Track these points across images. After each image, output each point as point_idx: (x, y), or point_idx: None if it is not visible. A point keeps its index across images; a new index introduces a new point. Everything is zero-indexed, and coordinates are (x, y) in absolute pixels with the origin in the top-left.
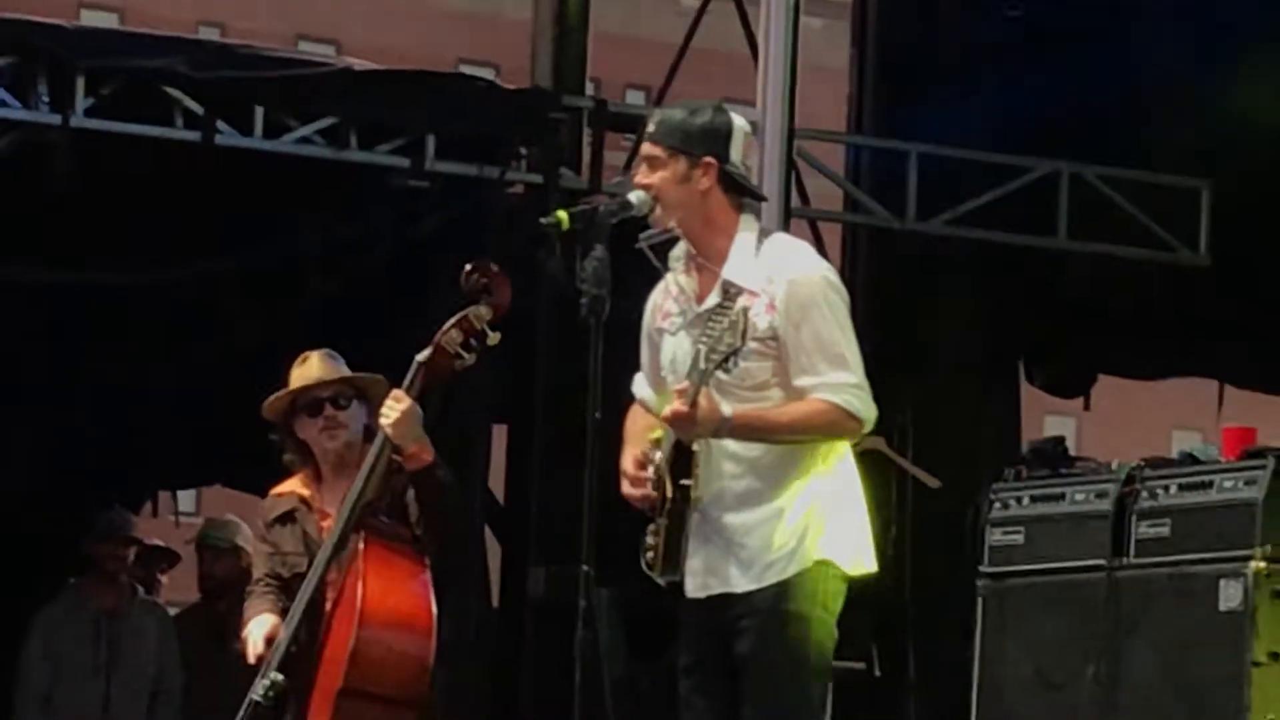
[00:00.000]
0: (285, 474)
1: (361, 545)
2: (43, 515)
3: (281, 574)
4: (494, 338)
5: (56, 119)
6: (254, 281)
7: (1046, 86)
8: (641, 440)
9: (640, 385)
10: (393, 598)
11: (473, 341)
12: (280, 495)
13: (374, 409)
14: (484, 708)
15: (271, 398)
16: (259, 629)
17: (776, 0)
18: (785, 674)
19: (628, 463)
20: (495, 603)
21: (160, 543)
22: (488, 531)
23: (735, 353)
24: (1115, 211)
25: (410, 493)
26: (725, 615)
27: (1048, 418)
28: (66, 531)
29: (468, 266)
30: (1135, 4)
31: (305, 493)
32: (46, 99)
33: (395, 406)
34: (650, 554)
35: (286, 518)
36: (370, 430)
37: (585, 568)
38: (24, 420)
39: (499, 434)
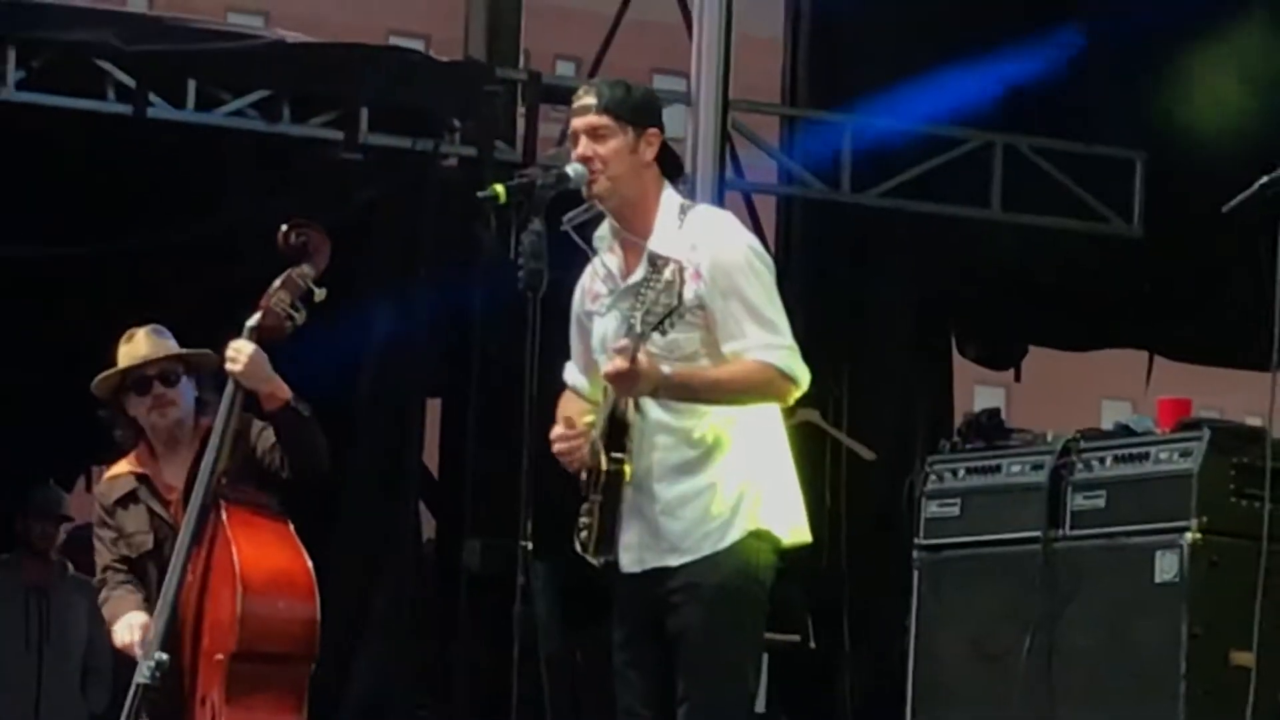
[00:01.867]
0: (120, 452)
1: (224, 514)
2: None
3: (129, 555)
4: (320, 294)
5: None
6: (188, 255)
7: (981, 57)
8: (575, 418)
9: (571, 373)
10: (268, 559)
11: (300, 301)
12: (116, 477)
13: (205, 383)
14: (418, 680)
15: (100, 376)
16: (129, 632)
17: None
18: (718, 647)
19: (556, 428)
20: (430, 576)
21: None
22: (422, 506)
23: (673, 311)
24: (1049, 183)
25: (258, 451)
26: (659, 589)
27: (977, 388)
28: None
29: (284, 227)
30: None
31: (142, 470)
32: None
33: (241, 350)
34: (584, 534)
35: (128, 499)
36: (202, 402)
37: (524, 543)
38: None
39: (433, 408)
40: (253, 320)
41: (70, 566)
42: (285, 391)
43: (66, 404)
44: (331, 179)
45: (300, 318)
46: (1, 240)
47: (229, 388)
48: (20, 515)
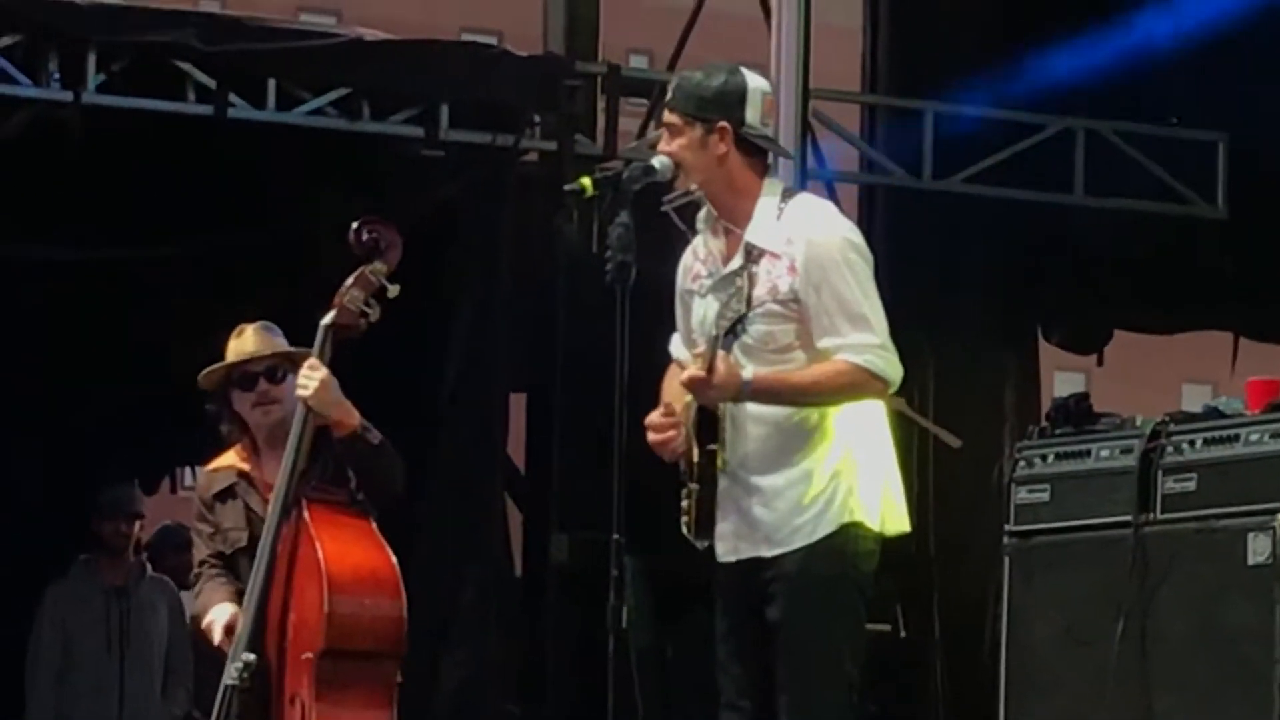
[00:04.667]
0: (223, 446)
1: (306, 514)
2: (55, 492)
3: (224, 551)
4: (393, 290)
5: (68, 96)
6: (269, 255)
7: (1062, 42)
8: (676, 401)
9: (676, 346)
10: (352, 556)
11: (374, 298)
12: (217, 470)
13: None
14: (508, 676)
15: (207, 370)
16: (220, 619)
17: None
18: (816, 637)
19: (654, 414)
20: (518, 571)
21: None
22: (509, 500)
23: (741, 319)
24: (1132, 166)
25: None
26: (756, 579)
27: (1057, 374)
28: (80, 508)
29: (355, 225)
30: None
31: (244, 466)
32: (58, 76)
33: (312, 376)
34: (685, 518)
35: (226, 494)
36: None
37: (616, 536)
38: (37, 398)
39: (518, 402)
40: (327, 318)
41: (149, 567)
42: (354, 418)
43: (150, 405)
44: (412, 176)
45: (374, 315)
46: (84, 243)
47: (299, 408)
48: (94, 516)
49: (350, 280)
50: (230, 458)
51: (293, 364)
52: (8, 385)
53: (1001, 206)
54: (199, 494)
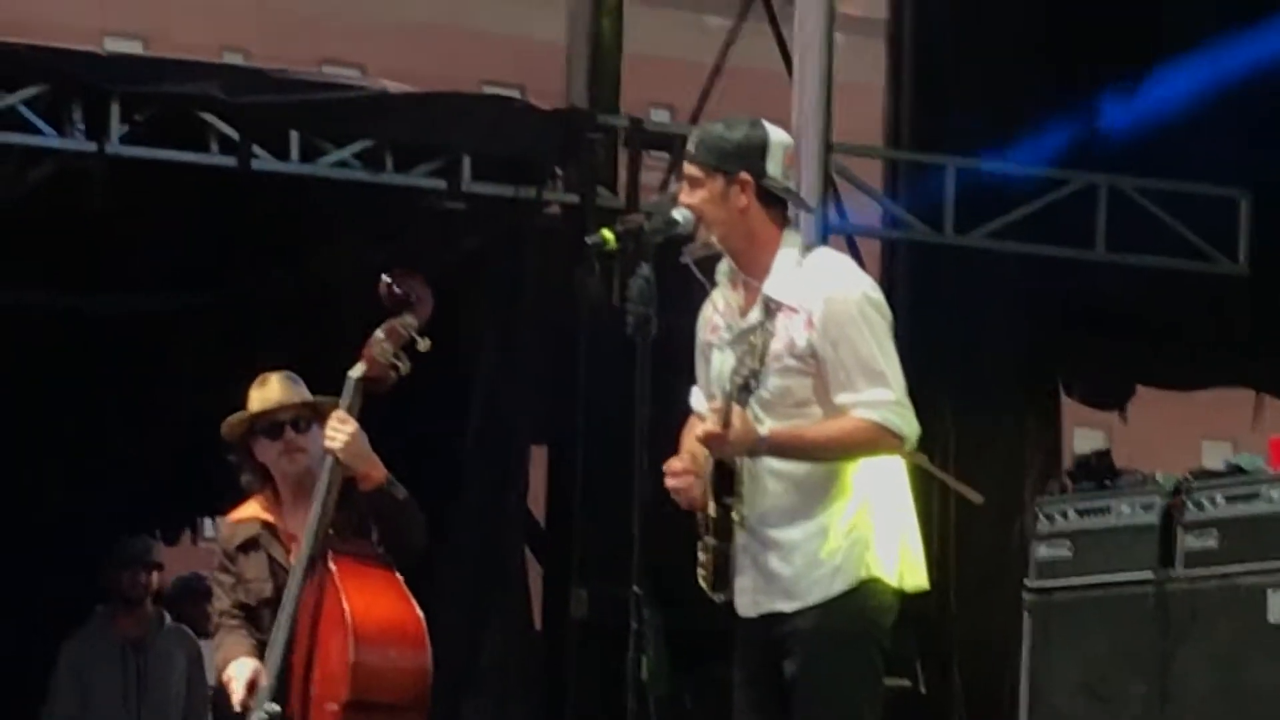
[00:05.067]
0: (244, 496)
1: (331, 565)
2: (74, 542)
3: (248, 603)
4: (424, 344)
5: (92, 146)
6: (291, 306)
7: (1084, 98)
8: (696, 453)
9: (696, 399)
10: (378, 608)
11: (404, 351)
12: (240, 521)
13: None
14: None
15: (230, 419)
16: (241, 675)
17: (812, 15)
18: (833, 693)
19: (671, 461)
20: (537, 625)
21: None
22: (529, 553)
23: (754, 375)
24: (1153, 223)
25: (363, 511)
26: (775, 633)
27: (1077, 430)
28: (99, 560)
29: (385, 277)
30: (1174, 16)
31: (267, 517)
32: (82, 127)
33: (341, 429)
34: (703, 571)
35: (250, 545)
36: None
37: (636, 589)
38: (58, 448)
39: (539, 455)
40: (357, 371)
41: (168, 618)
42: (381, 472)
43: (171, 456)
44: (434, 228)
45: (404, 368)
46: (106, 293)
47: (327, 461)
48: (110, 567)
49: (380, 333)
50: (252, 508)
51: (317, 415)
52: (28, 434)
53: (1023, 262)
54: (221, 545)
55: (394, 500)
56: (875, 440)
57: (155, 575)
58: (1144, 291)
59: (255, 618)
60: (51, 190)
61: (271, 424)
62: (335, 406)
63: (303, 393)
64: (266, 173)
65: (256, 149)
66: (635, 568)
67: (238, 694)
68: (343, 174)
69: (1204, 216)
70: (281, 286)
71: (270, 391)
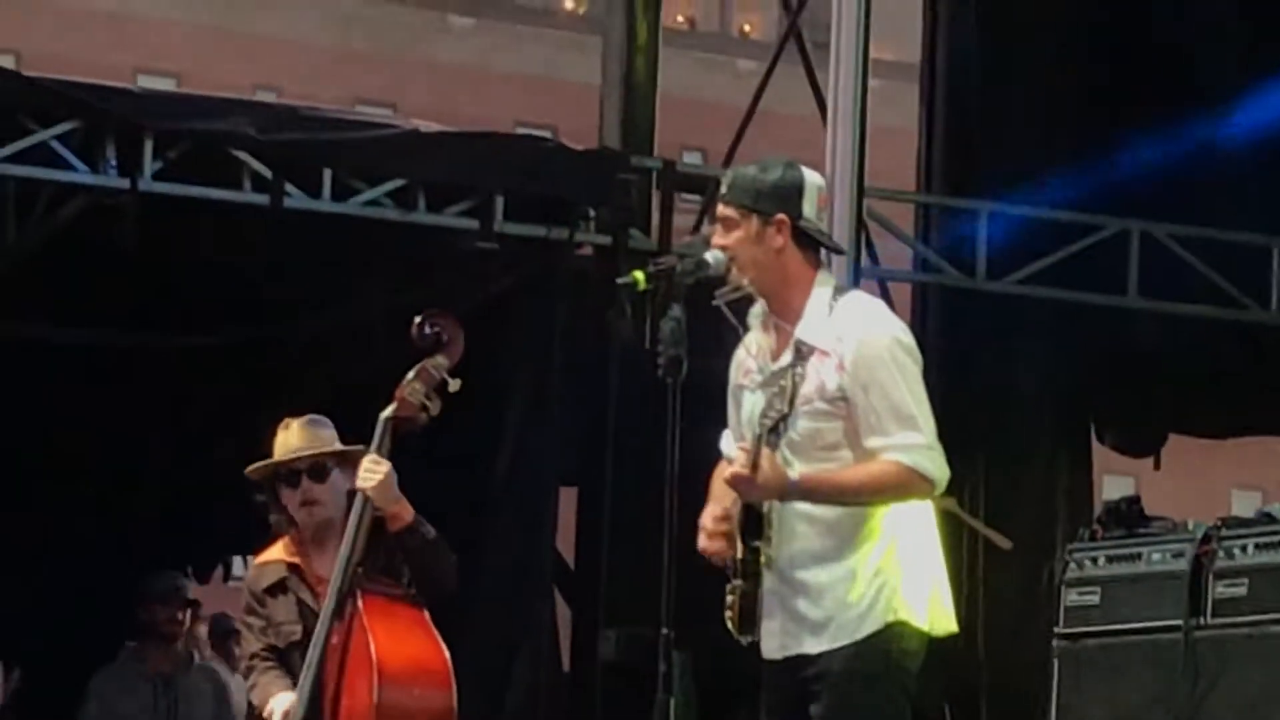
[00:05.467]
0: (273, 535)
1: (360, 603)
2: (104, 580)
3: (277, 645)
4: (454, 385)
5: (125, 183)
6: (322, 345)
7: (1117, 144)
8: (726, 497)
9: (727, 442)
10: (404, 648)
11: (435, 392)
12: (267, 564)
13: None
14: None
15: (254, 466)
16: (279, 709)
17: (846, 59)
18: None
19: (706, 517)
20: (566, 666)
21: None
22: (557, 595)
23: (784, 419)
24: (1186, 269)
25: (391, 550)
26: (801, 675)
27: (1106, 477)
28: (129, 596)
29: (418, 318)
30: (1207, 61)
31: (294, 560)
32: (114, 163)
33: (375, 470)
34: (730, 613)
35: (277, 588)
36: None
37: (665, 630)
38: (89, 485)
39: (568, 496)
40: (388, 411)
41: (196, 655)
42: (410, 513)
43: (200, 494)
44: (466, 268)
45: (435, 408)
46: (136, 329)
47: (359, 500)
48: (143, 603)
49: (412, 373)
50: (278, 551)
51: (339, 461)
52: (57, 472)
53: (1056, 307)
54: (248, 587)
55: (424, 540)
56: (906, 484)
57: (189, 612)
58: (1176, 338)
59: (286, 660)
60: (83, 226)
61: (290, 472)
62: (358, 455)
63: (325, 436)
64: (299, 211)
65: (289, 187)
66: (664, 610)
67: None
68: (375, 213)
69: (1237, 263)
70: (314, 326)
71: (291, 438)
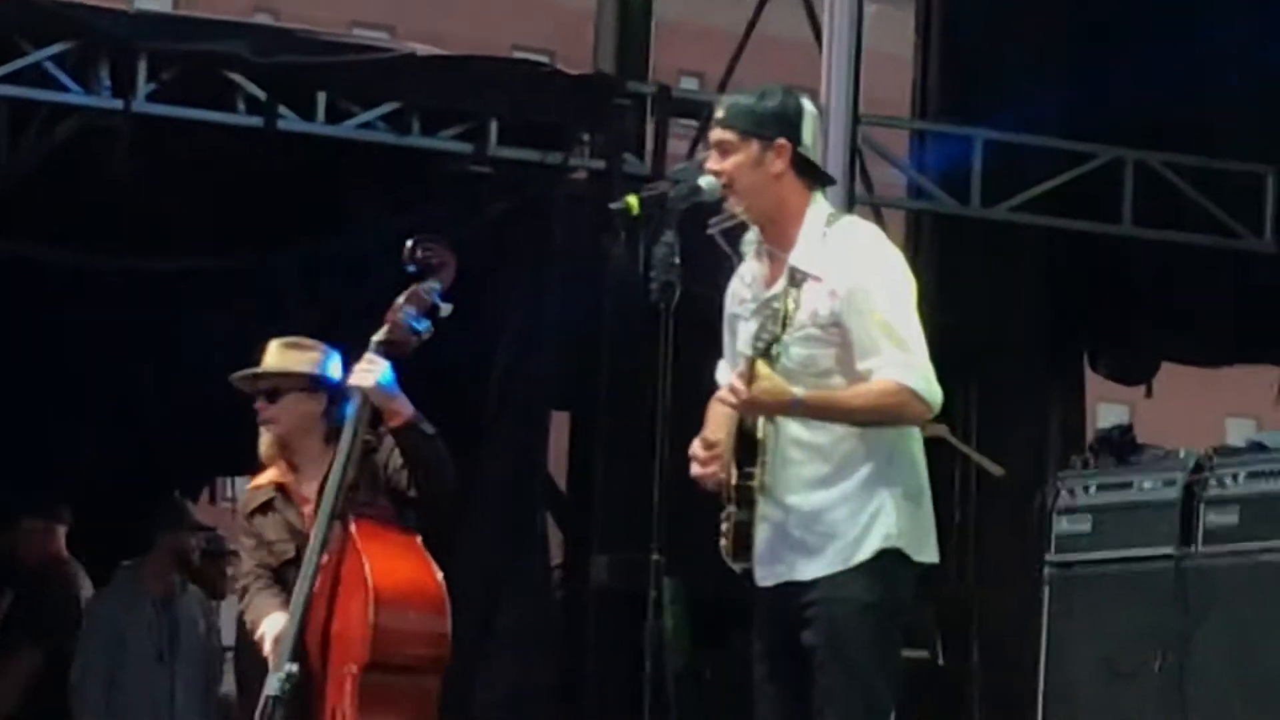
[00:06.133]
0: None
1: (352, 526)
2: (98, 497)
3: (270, 564)
4: (446, 309)
5: (118, 104)
6: (316, 268)
7: (1112, 72)
8: (721, 427)
9: (723, 371)
10: (398, 571)
11: (427, 315)
12: (258, 487)
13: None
14: (548, 695)
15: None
16: (271, 630)
17: None
18: (852, 662)
19: (697, 445)
20: (558, 591)
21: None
22: (550, 520)
23: (776, 340)
24: (1180, 198)
25: (388, 469)
26: (793, 603)
27: (1100, 405)
28: (119, 516)
29: (410, 242)
30: None
31: (284, 480)
32: (108, 84)
33: (370, 367)
34: (724, 540)
35: (265, 507)
36: (331, 415)
37: (656, 556)
38: (81, 408)
39: (561, 421)
40: (380, 335)
41: (187, 581)
42: (409, 409)
43: (192, 416)
44: (460, 192)
45: (426, 333)
46: (131, 252)
47: (357, 401)
48: (164, 531)
49: (403, 298)
50: (271, 474)
51: (284, 384)
52: (50, 391)
53: (1050, 235)
54: (240, 509)
55: (424, 435)
56: (904, 404)
57: (199, 537)
58: (1170, 267)
59: (280, 578)
60: (76, 147)
61: (250, 392)
62: (299, 379)
63: (295, 358)
64: (293, 133)
65: (283, 109)
66: (656, 535)
67: (267, 646)
68: (369, 136)
69: (1231, 192)
70: (306, 248)
71: (261, 358)
